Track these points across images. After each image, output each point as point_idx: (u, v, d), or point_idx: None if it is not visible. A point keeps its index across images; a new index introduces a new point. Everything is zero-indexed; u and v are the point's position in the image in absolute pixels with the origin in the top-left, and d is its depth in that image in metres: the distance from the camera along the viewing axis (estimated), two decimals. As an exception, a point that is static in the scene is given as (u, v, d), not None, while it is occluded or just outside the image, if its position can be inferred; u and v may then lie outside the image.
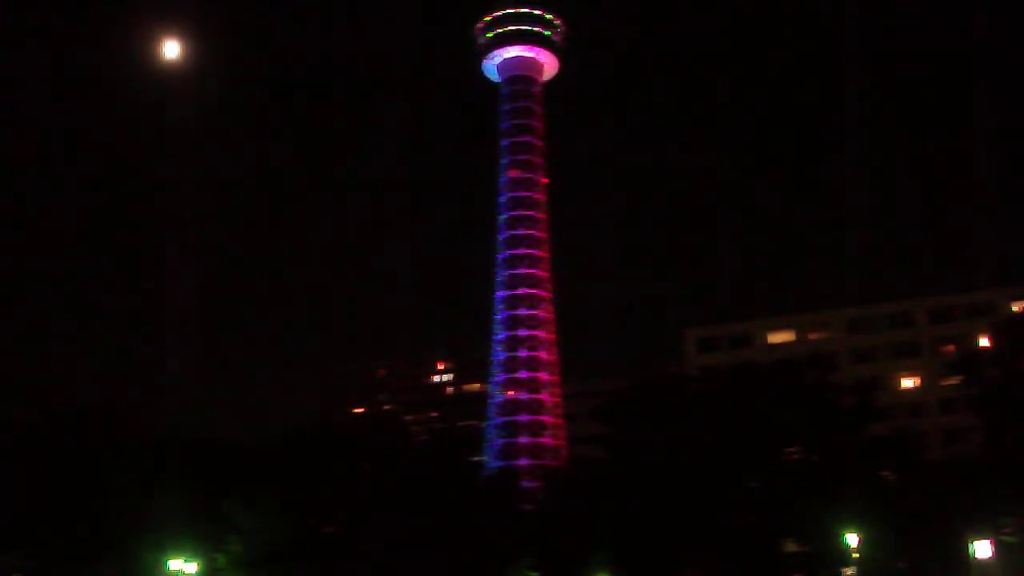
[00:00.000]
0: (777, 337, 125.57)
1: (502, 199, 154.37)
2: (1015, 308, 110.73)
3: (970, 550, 58.05)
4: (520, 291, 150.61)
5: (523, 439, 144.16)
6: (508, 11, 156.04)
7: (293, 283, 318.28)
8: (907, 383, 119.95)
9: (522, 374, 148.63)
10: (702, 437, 65.47)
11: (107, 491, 62.37)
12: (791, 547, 67.41)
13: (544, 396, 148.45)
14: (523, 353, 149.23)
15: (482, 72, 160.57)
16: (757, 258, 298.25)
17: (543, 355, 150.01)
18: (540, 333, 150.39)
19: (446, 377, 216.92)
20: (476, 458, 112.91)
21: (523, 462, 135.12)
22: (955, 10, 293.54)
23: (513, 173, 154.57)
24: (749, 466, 66.58)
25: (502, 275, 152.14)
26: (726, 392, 70.10)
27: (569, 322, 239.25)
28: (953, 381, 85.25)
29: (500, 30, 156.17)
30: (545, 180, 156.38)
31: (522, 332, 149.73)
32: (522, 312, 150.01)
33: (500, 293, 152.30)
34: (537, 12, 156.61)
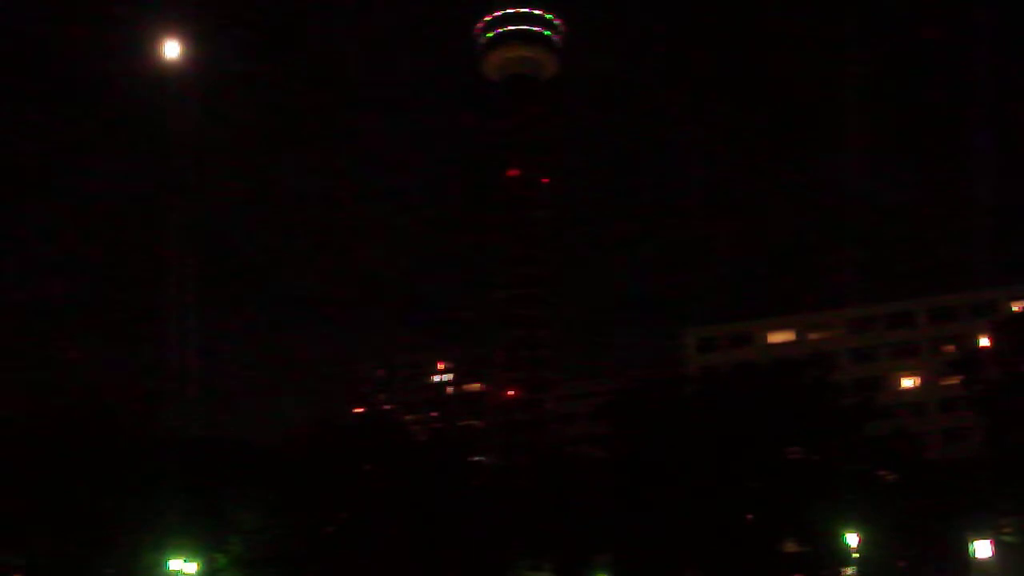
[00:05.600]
0: (777, 337, 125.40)
1: (502, 199, 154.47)
2: (1015, 308, 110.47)
3: (970, 550, 58.09)
4: (520, 291, 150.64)
5: (523, 439, 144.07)
6: (508, 11, 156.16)
7: (293, 283, 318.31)
8: (907, 383, 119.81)
9: (522, 374, 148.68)
10: (702, 437, 65.49)
11: (107, 490, 62.31)
12: (791, 547, 67.41)
13: (544, 396, 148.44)
14: (523, 353, 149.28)
15: (482, 72, 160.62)
16: (757, 258, 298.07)
17: (543, 355, 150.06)
18: (540, 333, 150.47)
19: (446, 377, 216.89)
20: (476, 458, 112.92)
21: (523, 462, 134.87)
22: (957, 6, 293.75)
23: (513, 173, 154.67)
24: (749, 466, 66.56)
25: (502, 275, 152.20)
26: (726, 392, 70.15)
27: (569, 322, 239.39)
28: (953, 381, 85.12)
29: (500, 30, 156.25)
30: (545, 180, 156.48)
31: (522, 332, 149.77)
32: (522, 312, 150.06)
33: (500, 293, 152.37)
34: (537, 12, 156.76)
